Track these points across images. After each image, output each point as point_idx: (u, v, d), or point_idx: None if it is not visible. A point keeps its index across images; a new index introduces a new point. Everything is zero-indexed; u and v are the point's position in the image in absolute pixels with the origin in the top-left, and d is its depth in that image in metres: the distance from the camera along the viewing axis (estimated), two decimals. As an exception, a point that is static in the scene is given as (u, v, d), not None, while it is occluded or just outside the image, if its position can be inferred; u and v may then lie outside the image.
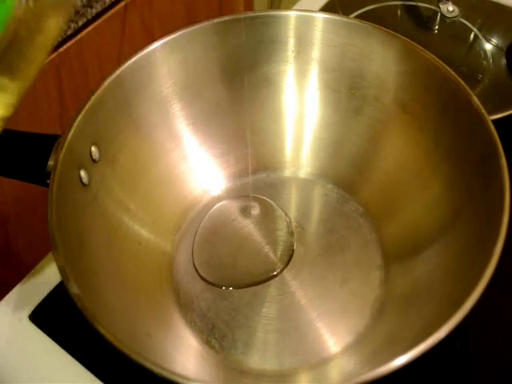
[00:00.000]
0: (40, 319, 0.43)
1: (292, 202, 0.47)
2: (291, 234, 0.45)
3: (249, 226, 0.46)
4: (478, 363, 0.40)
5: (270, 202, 0.47)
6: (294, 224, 0.46)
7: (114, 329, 0.31)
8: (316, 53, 0.47)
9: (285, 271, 0.43)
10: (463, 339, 0.41)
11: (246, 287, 0.43)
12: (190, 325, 0.41)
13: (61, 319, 0.43)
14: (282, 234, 0.45)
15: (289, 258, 0.44)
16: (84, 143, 0.40)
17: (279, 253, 0.44)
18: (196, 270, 0.44)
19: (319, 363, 0.39)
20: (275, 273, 0.43)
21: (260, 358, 0.39)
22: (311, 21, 0.46)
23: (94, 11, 0.63)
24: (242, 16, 0.46)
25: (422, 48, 0.42)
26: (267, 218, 0.46)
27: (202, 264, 0.44)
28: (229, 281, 0.43)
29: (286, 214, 0.46)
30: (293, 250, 0.44)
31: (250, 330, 0.41)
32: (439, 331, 0.30)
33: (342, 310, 0.41)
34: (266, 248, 0.45)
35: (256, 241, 0.45)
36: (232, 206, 0.47)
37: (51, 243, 0.34)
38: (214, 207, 0.47)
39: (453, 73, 0.40)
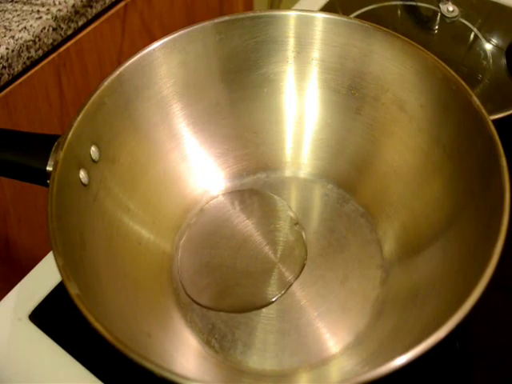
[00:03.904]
0: (40, 319, 0.43)
1: (292, 201, 0.47)
2: (302, 244, 0.44)
3: (249, 227, 0.46)
4: (477, 363, 0.40)
5: (273, 195, 0.47)
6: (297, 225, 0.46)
7: (114, 329, 0.31)
8: (316, 53, 0.47)
9: (284, 271, 0.43)
10: (463, 339, 0.41)
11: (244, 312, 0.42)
12: (189, 325, 0.41)
13: (61, 319, 0.43)
14: (288, 239, 0.45)
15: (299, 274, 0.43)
16: (84, 143, 0.40)
17: (286, 267, 0.43)
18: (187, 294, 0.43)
19: (319, 363, 0.39)
20: (275, 299, 0.42)
21: (260, 358, 0.39)
22: (311, 21, 0.46)
23: (94, 11, 0.64)
24: (241, 16, 0.46)
25: (422, 48, 0.42)
26: (268, 216, 0.46)
27: (190, 284, 0.43)
28: (223, 304, 0.42)
29: (290, 208, 0.46)
30: (303, 265, 0.43)
31: (250, 330, 0.40)
32: (439, 331, 0.30)
33: (343, 310, 0.41)
34: (266, 247, 0.45)
35: (256, 241, 0.45)
36: (227, 204, 0.47)
37: (51, 243, 0.34)
38: (207, 206, 0.47)
39: (453, 73, 0.40)
